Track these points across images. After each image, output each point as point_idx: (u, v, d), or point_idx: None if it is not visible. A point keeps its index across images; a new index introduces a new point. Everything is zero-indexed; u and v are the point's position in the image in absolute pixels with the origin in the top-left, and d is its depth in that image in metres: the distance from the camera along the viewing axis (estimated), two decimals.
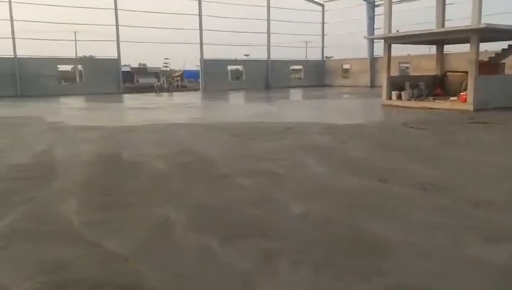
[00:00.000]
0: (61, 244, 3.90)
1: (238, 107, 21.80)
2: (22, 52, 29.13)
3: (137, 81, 42.16)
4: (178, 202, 5.11)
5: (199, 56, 35.42)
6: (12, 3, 28.46)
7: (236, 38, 36.42)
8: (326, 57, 43.98)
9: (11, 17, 28.54)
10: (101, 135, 10.71)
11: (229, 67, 39.43)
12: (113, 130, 11.60)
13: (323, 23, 42.09)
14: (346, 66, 42.01)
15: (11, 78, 28.50)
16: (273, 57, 39.19)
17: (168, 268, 3.43)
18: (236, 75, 43.51)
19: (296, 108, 19.78)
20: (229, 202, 5.10)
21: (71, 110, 19.49)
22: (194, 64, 41.47)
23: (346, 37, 40.20)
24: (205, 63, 35.39)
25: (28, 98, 25.92)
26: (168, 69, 47.22)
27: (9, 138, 10.28)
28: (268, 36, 38.75)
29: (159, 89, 35.31)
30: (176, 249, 3.79)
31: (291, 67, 43.08)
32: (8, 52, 28.71)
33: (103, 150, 8.65)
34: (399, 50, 25.16)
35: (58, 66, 32.63)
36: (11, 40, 28.59)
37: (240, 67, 41.33)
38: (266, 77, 38.60)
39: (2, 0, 28.15)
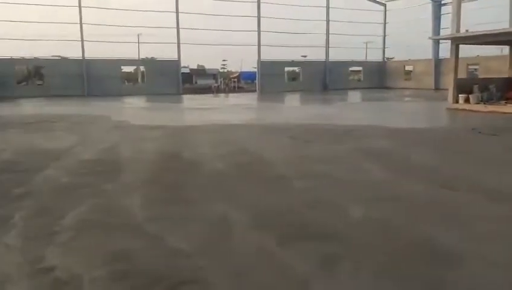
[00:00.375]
0: (126, 236, 4.06)
1: (295, 109, 21.70)
2: (89, 55, 30.84)
3: (196, 82, 43.24)
4: (237, 201, 5.15)
5: (256, 57, 35.66)
6: (82, 8, 30.19)
7: (294, 39, 36.25)
8: (387, 58, 42.68)
9: (81, 20, 30.31)
10: (162, 133, 11.08)
11: (286, 69, 39.38)
12: (174, 130, 11.96)
13: (384, 23, 40.92)
14: (408, 68, 40.47)
15: (79, 78, 30.30)
16: (332, 58, 38.63)
17: (228, 265, 3.48)
18: (293, 76, 43.30)
19: (355, 110, 19.35)
20: (287, 204, 5.08)
21: (134, 109, 20.35)
22: (251, 66, 41.83)
23: (409, 38, 38.67)
24: (262, 64, 35.61)
25: (93, 98, 27.40)
26: (225, 70, 47.93)
27: (78, 135, 10.90)
28: (327, 37, 38.27)
29: (217, 90, 36.00)
30: (235, 247, 3.83)
31: (350, 69, 42.23)
32: (77, 54, 30.55)
33: (165, 148, 8.94)
34: (467, 51, 23.84)
35: (122, 67, 34.21)
36: (80, 42, 30.35)
37: (296, 68, 41.14)
38: (324, 79, 38.13)
39: (72, 5, 29.93)
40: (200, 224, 4.38)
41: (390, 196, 5.34)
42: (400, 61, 41.01)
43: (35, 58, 31.09)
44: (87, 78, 30.48)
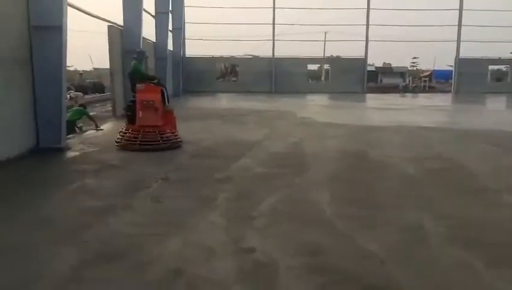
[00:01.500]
0: (316, 230, 4.16)
1: (499, 113, 19.07)
2: (278, 53, 32.83)
3: (381, 81, 41.94)
4: (432, 210, 4.78)
5: (453, 54, 32.50)
6: (275, 10, 32.28)
7: (500, 33, 31.82)
8: None
9: (273, 21, 32.44)
10: (346, 132, 11.06)
11: (490, 67, 34.80)
12: (358, 129, 11.81)
13: None
14: None
15: (268, 76, 32.54)
16: None
17: (424, 277, 3.24)
18: (498, 76, 37.99)
19: None
20: (495, 221, 4.47)
21: (318, 107, 20.83)
22: (445, 64, 38.40)
23: None
24: (460, 62, 32.25)
25: (280, 94, 29.06)
26: (415, 68, 45.15)
27: (267, 128, 11.69)
28: None
29: (404, 90, 34.20)
30: (432, 260, 3.54)
31: None
32: (267, 53, 32.90)
33: (349, 147, 8.89)
34: None
35: (308, 65, 35.39)
36: (271, 42, 32.58)
37: (503, 67, 35.98)
38: None
39: (266, 6, 32.27)
40: (392, 229, 4.20)
41: None
42: None
43: (232, 57, 34.67)
44: (275, 76, 32.55)
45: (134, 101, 8.51)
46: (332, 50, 40.22)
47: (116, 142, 8.32)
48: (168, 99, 8.80)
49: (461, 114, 17.75)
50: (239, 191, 5.52)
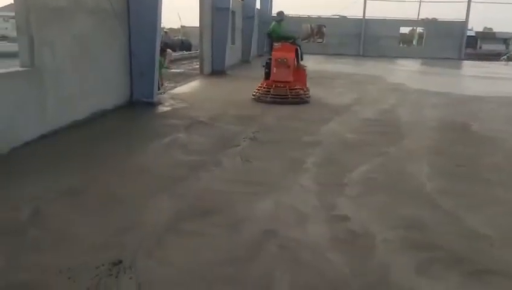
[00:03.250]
0: (415, 204, 3.88)
1: None
2: (369, 14, 31.05)
3: (481, 48, 38.23)
4: None
5: None
6: None
7: None
8: None
9: None
10: (444, 101, 10.23)
11: None
12: (457, 98, 10.86)
13: None
14: None
15: (356, 38, 31.02)
16: None
17: None
18: None
19: None
20: None
21: (409, 72, 19.52)
22: None
23: None
24: None
25: (368, 58, 27.69)
26: None
27: (356, 93, 11.18)
28: None
29: (509, 57, 30.89)
30: None
31: None
32: (357, 14, 31.26)
33: (448, 117, 8.21)
34: None
35: (400, 28, 33.14)
36: (362, 1, 30.82)
37: None
38: None
39: None
40: (502, 209, 3.81)
41: None
42: None
43: (319, 17, 33.45)
44: (364, 38, 30.97)
45: (271, 59, 9.34)
46: (428, 12, 37.07)
47: (253, 94, 9.27)
48: (301, 57, 9.60)
49: None
50: (329, 157, 5.33)
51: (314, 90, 11.45)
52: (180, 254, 2.91)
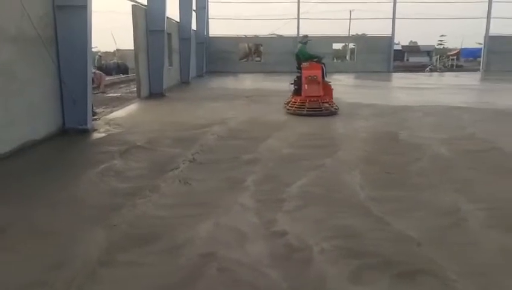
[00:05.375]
0: (350, 213, 4.03)
1: None
2: (303, 32, 32.06)
3: (407, 60, 40.78)
4: (468, 193, 4.59)
5: (483, 32, 31.27)
6: None
7: None
8: None
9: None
10: (375, 112, 10.77)
11: None
12: (387, 109, 11.47)
13: None
14: None
15: (293, 55, 31.78)
16: None
17: (465, 262, 3.12)
18: None
19: None
20: None
21: (344, 86, 20.37)
22: (473, 41, 37.07)
23: None
24: (490, 39, 31.01)
25: None
26: (442, 47, 43.70)
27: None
28: None
29: (431, 69, 33.20)
30: (472, 244, 3.41)
31: None
32: (292, 33, 32.21)
33: (380, 127, 8.65)
34: None
35: (333, 44, 34.58)
36: (295, 21, 31.89)
37: None
38: None
39: None
40: (427, 212, 4.05)
41: None
42: None
43: (256, 37, 34.15)
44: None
45: (299, 77, 10.71)
46: (358, 29, 39.06)
47: (287, 109, 10.54)
48: (326, 74, 10.79)
49: (491, 93, 17.04)
50: (268, 173, 5.40)
51: (253, 108, 11.66)
52: (115, 288, 2.81)
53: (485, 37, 31.41)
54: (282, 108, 11.72)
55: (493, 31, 31.05)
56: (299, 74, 10.80)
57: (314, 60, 10.84)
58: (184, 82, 20.30)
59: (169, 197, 4.52)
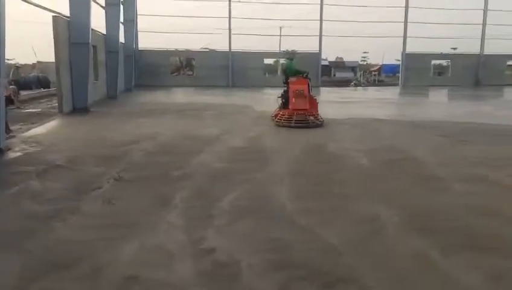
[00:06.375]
0: (277, 226, 4.08)
1: (443, 105, 19.93)
2: (235, 47, 32.46)
3: (334, 75, 42.75)
4: (387, 200, 4.85)
5: (400, 50, 33.68)
6: (232, 3, 31.91)
7: (444, 30, 33.28)
8: None
9: (229, 14, 32.03)
10: (305, 126, 11.04)
11: (432, 62, 36.43)
12: None
13: None
14: None
15: (225, 70, 32.14)
16: (487, 51, 34.48)
17: (383, 268, 3.27)
18: (440, 70, 39.88)
19: None
20: (447, 208, 4.61)
21: (275, 101, 20.78)
22: (393, 58, 39.78)
23: None
24: (407, 56, 33.46)
25: (237, 88, 28.85)
26: (365, 63, 46.37)
27: (226, 123, 11.50)
28: (484, 27, 34.20)
29: (356, 83, 35.04)
30: (389, 250, 3.58)
31: (508, 63, 37.17)
32: (224, 47, 32.45)
33: (309, 140, 8.88)
34: None
35: (264, 59, 35.32)
36: (227, 35, 32.18)
37: (444, 62, 37.76)
38: (476, 73, 34.31)
39: (222, 0, 31.84)
40: (350, 221, 4.20)
41: None
42: None
43: (187, 50, 33.94)
44: (232, 70, 32.21)
45: (286, 91, 11.31)
46: (288, 45, 40.23)
47: (276, 121, 10.92)
48: (311, 89, 11.34)
49: (409, 106, 18.32)
50: (198, 189, 5.32)
51: (185, 123, 11.50)
52: None
53: (402, 54, 33.83)
54: (214, 122, 11.72)
55: (409, 49, 33.54)
56: (285, 88, 11.35)
57: (301, 75, 11.42)
58: (111, 96, 19.58)
59: (91, 218, 4.27)
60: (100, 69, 18.46)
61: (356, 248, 3.59)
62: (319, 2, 32.26)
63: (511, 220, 4.21)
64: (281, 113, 11.14)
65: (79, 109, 13.59)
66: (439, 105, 19.88)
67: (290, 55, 12.22)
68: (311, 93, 11.32)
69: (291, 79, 11.24)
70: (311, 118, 10.78)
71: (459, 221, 4.22)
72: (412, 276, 3.15)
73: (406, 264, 3.32)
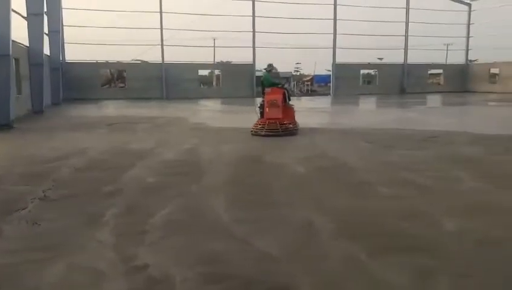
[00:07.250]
0: (214, 238, 4.06)
1: (371, 113, 21.02)
2: (168, 59, 32.02)
3: None
4: (321, 206, 5.00)
5: (331, 60, 35.15)
6: (163, 13, 31.53)
7: (370, 41, 35.33)
8: (470, 61, 39.96)
9: (161, 25, 31.60)
10: (240, 136, 11.17)
11: (361, 71, 38.44)
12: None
13: (468, 24, 38.35)
14: (494, 71, 37.62)
15: (159, 82, 31.58)
16: (410, 60, 37.03)
17: (317, 273, 3.36)
18: (368, 79, 42.16)
19: (436, 115, 18.24)
20: (374, 212, 4.84)
21: (210, 112, 20.83)
22: (324, 69, 41.38)
23: (495, 39, 35.81)
24: (337, 67, 35.00)
25: (171, 100, 28.49)
26: (298, 73, 47.74)
27: (159, 136, 11.32)
28: (406, 39, 36.70)
29: (290, 93, 35.95)
30: (323, 255, 3.69)
31: (429, 72, 40.19)
32: (157, 58, 31.92)
33: (244, 151, 8.97)
34: None
35: (199, 71, 35.24)
36: (160, 47, 31.69)
37: (372, 71, 39.99)
38: (401, 82, 36.67)
39: (154, 11, 31.36)
40: (285, 229, 4.28)
41: (486, 207, 4.91)
42: (485, 64, 38.07)
43: (118, 62, 33.00)
44: (165, 81, 31.73)
45: (264, 101, 11.62)
46: (223, 56, 40.41)
47: (250, 130, 11.31)
48: (289, 98, 11.90)
49: (340, 115, 19.15)
50: (131, 205, 5.17)
51: (116, 137, 11.15)
52: None
53: (332, 64, 35.32)
54: (147, 135, 11.48)
55: (339, 60, 35.10)
56: (263, 99, 11.77)
57: (279, 86, 12.01)
58: (37, 111, 18.51)
59: (14, 241, 4.01)
60: (23, 83, 17.43)
61: (291, 255, 3.66)
62: (251, 14, 32.86)
63: (435, 221, 4.47)
64: (258, 122, 11.48)
65: (1, 125, 12.70)
66: (368, 113, 20.94)
67: (268, 67, 12.94)
68: (288, 103, 11.78)
69: (267, 90, 11.68)
70: (284, 126, 11.09)
71: (385, 224, 4.44)
72: (341, 279, 3.26)
73: (336, 268, 3.43)
